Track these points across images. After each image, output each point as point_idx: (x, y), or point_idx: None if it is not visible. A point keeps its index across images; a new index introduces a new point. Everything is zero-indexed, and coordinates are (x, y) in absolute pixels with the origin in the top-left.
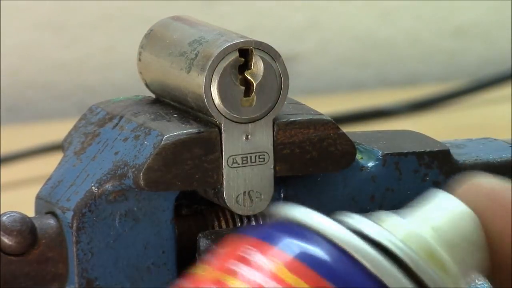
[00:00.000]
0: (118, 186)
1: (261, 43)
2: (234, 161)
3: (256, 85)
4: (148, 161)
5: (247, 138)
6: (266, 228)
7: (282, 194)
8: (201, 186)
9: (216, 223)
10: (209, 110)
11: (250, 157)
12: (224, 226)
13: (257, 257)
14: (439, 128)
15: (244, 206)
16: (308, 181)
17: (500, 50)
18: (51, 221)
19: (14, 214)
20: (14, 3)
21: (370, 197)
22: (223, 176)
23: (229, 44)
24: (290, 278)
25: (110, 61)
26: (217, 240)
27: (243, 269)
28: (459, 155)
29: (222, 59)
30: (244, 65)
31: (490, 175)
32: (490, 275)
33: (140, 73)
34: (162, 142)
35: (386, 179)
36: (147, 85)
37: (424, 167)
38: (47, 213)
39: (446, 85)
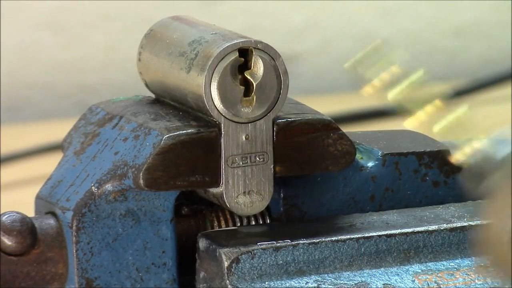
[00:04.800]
0: (118, 186)
1: (260, 43)
2: (234, 161)
3: (256, 85)
4: (148, 161)
5: (247, 138)
6: None
7: (282, 194)
8: (201, 186)
9: (216, 223)
10: (209, 110)
11: (250, 157)
12: (224, 226)
13: None
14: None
15: (244, 206)
16: (308, 181)
17: (500, 50)
18: (51, 221)
19: (14, 214)
20: (14, 3)
21: (370, 197)
22: (223, 176)
23: (229, 44)
24: None
25: (110, 61)
26: (217, 240)
27: None
28: None
29: (222, 59)
30: (244, 65)
31: None
32: None
33: (140, 73)
34: (162, 142)
35: (386, 179)
36: (147, 85)
37: (424, 167)
38: (47, 213)
39: (446, 85)
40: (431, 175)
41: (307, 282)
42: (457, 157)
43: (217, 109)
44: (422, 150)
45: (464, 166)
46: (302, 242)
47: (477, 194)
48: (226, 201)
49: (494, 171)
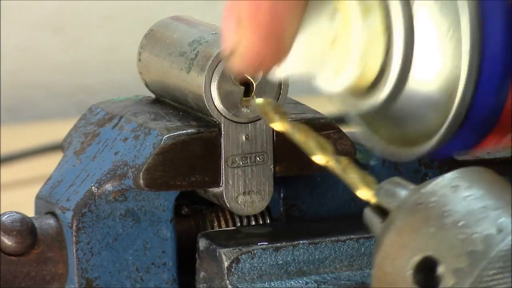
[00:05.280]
0: (118, 186)
1: None
2: (234, 161)
3: (256, 85)
4: (148, 161)
5: (247, 138)
6: None
7: (282, 194)
8: (201, 186)
9: (216, 223)
10: (209, 110)
11: (250, 157)
12: (224, 226)
13: None
14: None
15: (244, 206)
16: (308, 181)
17: None
18: (51, 221)
19: (14, 214)
20: (14, 3)
21: None
22: (223, 176)
23: None
24: None
25: (110, 61)
26: (217, 240)
27: None
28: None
29: (222, 59)
30: None
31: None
32: None
33: (140, 73)
34: (162, 142)
35: (386, 179)
36: (147, 85)
37: (424, 167)
38: (47, 213)
39: None
40: (431, 175)
41: (307, 282)
42: (362, 194)
43: (217, 109)
44: None
45: (369, 203)
46: (302, 242)
47: (375, 231)
48: (226, 201)
49: (393, 210)
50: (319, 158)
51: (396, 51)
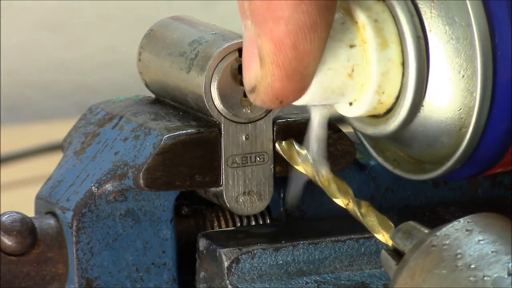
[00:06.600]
0: (118, 186)
1: None
2: (234, 161)
3: None
4: (148, 161)
5: (247, 138)
6: None
7: (282, 194)
8: (201, 186)
9: (216, 223)
10: (209, 110)
11: (250, 157)
12: (224, 226)
13: None
14: None
15: (244, 206)
16: (308, 181)
17: None
18: (51, 221)
19: (14, 214)
20: (14, 3)
21: (370, 197)
22: (223, 176)
23: (229, 44)
24: None
25: (110, 61)
26: (217, 240)
27: None
28: None
29: (222, 59)
30: None
31: None
32: None
33: (140, 73)
34: (162, 142)
35: (386, 179)
36: (147, 85)
37: None
38: (47, 213)
39: None
40: None
41: (307, 282)
42: (380, 237)
43: (217, 109)
44: None
45: (385, 245)
46: (302, 242)
47: (390, 273)
48: (226, 201)
49: (408, 252)
50: (340, 201)
51: (410, 82)
